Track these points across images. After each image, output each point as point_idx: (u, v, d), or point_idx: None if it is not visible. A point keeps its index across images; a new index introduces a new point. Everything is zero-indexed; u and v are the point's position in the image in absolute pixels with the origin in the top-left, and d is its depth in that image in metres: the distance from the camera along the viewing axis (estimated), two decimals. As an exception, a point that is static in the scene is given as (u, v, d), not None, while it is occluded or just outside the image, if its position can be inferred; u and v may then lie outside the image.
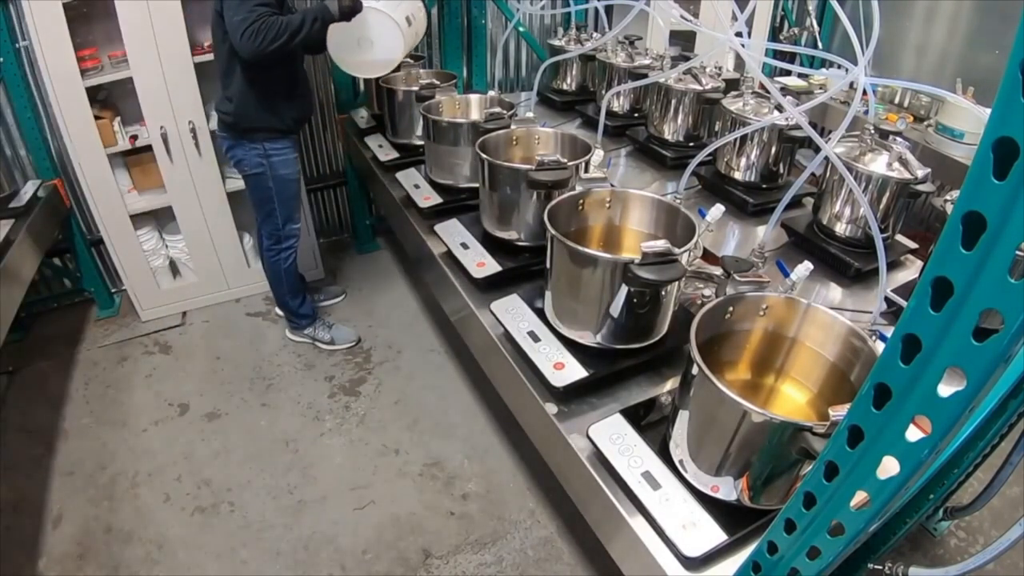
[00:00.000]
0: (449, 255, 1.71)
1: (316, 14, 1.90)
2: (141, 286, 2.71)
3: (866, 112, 1.84)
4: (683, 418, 1.01)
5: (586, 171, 1.51)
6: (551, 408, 1.26)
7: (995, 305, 0.41)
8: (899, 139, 1.55)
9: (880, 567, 0.94)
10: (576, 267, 1.21)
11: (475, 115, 2.13)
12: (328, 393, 2.42)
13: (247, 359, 2.58)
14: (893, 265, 1.65)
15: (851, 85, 1.75)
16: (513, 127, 1.75)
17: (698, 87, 2.09)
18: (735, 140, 1.88)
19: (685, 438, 1.01)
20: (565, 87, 2.87)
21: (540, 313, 1.37)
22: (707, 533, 0.97)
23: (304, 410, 2.34)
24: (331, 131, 3.15)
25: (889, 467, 0.54)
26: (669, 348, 1.32)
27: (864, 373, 0.87)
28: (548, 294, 1.32)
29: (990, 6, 2.78)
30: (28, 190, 2.40)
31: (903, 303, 1.37)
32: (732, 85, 2.14)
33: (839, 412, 0.77)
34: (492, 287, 1.57)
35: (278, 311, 2.75)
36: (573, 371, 1.24)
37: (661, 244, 1.08)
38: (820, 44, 3.42)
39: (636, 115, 2.52)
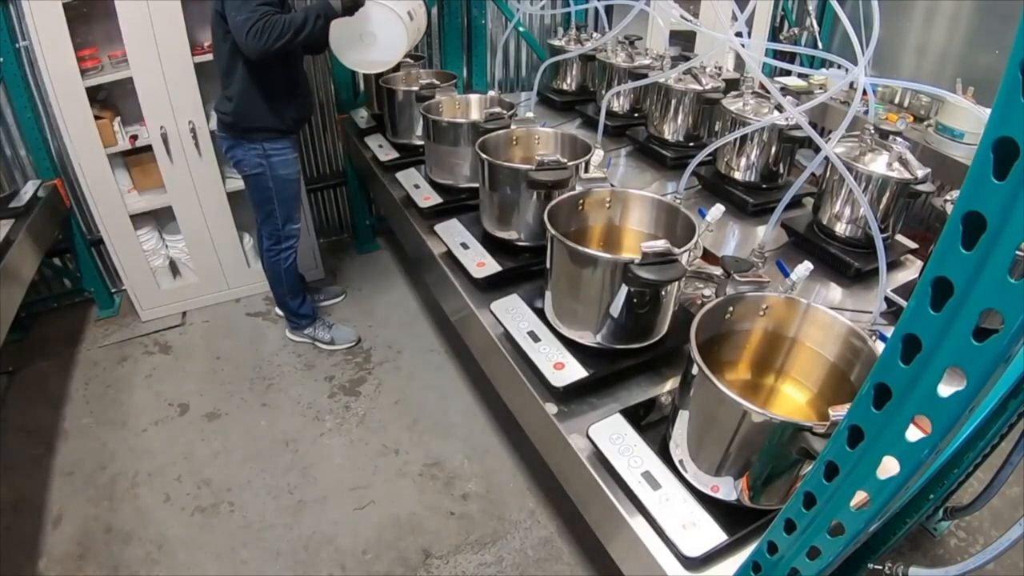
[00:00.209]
0: (449, 255, 1.71)
1: (319, 10, 1.90)
2: (141, 286, 2.71)
3: (866, 112, 1.84)
4: (683, 418, 1.01)
5: (586, 171, 1.51)
6: (551, 408, 1.26)
7: (995, 305, 0.41)
8: (899, 139, 1.55)
9: (880, 567, 0.94)
10: (576, 267, 1.21)
11: (475, 115, 2.12)
12: (328, 393, 2.42)
13: (247, 359, 2.58)
14: (893, 265, 1.65)
15: (851, 85, 1.75)
16: (513, 127, 1.75)
17: (698, 87, 2.09)
18: (735, 140, 1.88)
19: (685, 438, 1.01)
20: (565, 87, 2.87)
21: (540, 313, 1.37)
22: (707, 533, 0.97)
23: (304, 410, 2.34)
24: (331, 131, 3.15)
25: (889, 467, 0.54)
26: (669, 348, 1.32)
27: (864, 373, 0.87)
28: (548, 294, 1.32)
29: (990, 6, 2.77)
30: (28, 190, 2.40)
31: (903, 303, 1.37)
32: (732, 85, 2.14)
33: (839, 412, 0.77)
34: (492, 287, 1.57)
35: (278, 311, 2.75)
36: (573, 371, 1.24)
37: (661, 244, 1.08)
38: (820, 44, 3.42)
39: (636, 115, 2.52)
